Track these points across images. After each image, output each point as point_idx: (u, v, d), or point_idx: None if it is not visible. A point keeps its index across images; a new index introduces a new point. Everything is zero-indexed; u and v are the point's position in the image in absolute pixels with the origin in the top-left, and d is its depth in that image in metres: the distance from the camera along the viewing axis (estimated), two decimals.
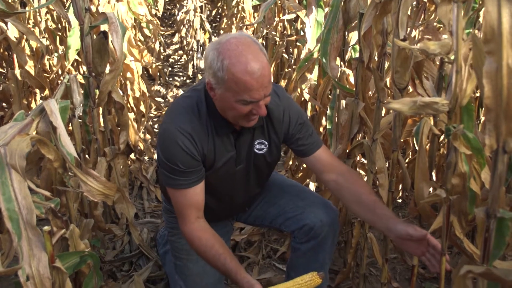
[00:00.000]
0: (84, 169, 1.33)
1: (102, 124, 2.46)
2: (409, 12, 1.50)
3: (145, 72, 5.04)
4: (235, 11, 5.64)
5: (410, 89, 1.86)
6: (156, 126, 4.38)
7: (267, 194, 1.96)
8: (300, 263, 1.88)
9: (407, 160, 2.91)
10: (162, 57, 6.36)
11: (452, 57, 1.05)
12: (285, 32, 3.85)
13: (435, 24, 2.27)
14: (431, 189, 1.99)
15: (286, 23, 3.82)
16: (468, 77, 1.06)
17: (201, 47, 6.00)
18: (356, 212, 1.70)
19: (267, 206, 1.95)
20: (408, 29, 1.51)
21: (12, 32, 2.86)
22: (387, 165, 2.00)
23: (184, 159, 1.57)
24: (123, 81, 3.47)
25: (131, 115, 3.41)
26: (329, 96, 2.60)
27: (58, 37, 3.61)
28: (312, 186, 2.72)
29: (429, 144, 2.31)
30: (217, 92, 1.50)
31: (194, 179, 1.61)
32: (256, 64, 1.42)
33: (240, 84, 1.42)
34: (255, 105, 1.47)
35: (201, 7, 5.88)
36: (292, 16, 3.45)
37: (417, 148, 2.75)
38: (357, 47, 2.31)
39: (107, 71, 2.32)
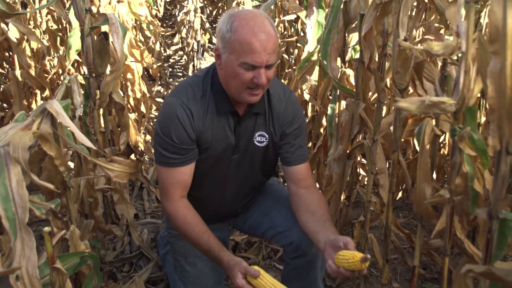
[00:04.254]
0: (109, 157, 1.45)
1: (102, 125, 2.45)
2: (409, 13, 1.50)
3: (145, 73, 5.03)
4: None
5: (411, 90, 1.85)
6: None
7: (263, 204, 1.94)
8: (292, 276, 1.85)
9: (407, 161, 2.90)
10: (162, 57, 6.36)
11: (455, 58, 1.05)
12: (285, 32, 3.85)
13: (436, 24, 2.27)
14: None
15: (286, 24, 3.82)
16: (476, 78, 1.06)
17: (202, 48, 5.99)
18: (306, 221, 1.67)
19: (261, 217, 1.93)
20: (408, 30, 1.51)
21: (13, 33, 2.85)
22: (387, 166, 2.00)
23: (180, 133, 1.60)
24: (123, 82, 3.47)
25: (132, 116, 3.41)
26: (330, 97, 2.60)
27: (58, 38, 3.61)
28: None
29: (429, 145, 2.30)
30: (223, 57, 1.55)
31: (185, 159, 1.64)
32: (262, 30, 1.48)
33: (244, 45, 1.47)
34: (256, 72, 1.50)
35: (201, 7, 5.88)
36: (293, 17, 3.44)
37: (417, 148, 2.75)
38: (358, 47, 2.31)
39: (107, 72, 2.32)
